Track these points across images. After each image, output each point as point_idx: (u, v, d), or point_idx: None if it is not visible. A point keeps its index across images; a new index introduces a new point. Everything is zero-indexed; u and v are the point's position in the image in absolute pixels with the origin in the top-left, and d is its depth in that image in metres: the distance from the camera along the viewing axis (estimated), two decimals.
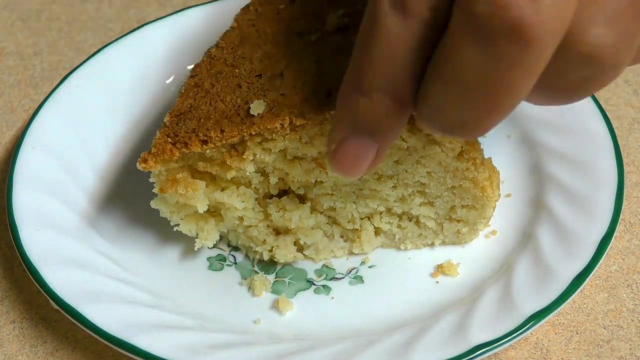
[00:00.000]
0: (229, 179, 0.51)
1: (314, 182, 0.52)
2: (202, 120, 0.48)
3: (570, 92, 0.39)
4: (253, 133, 0.47)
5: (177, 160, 0.49)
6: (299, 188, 0.53)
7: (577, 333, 0.52)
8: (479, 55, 0.34)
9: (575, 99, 0.41)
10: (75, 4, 0.81)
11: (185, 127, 0.49)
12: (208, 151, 0.48)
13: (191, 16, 0.70)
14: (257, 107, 0.47)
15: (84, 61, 0.66)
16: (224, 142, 0.47)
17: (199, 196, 0.51)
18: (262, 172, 0.51)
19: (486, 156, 0.53)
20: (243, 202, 0.52)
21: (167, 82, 0.68)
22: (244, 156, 0.48)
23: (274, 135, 0.47)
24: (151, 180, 0.51)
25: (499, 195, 0.54)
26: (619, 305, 0.53)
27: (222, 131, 0.47)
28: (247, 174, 0.50)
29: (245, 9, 0.56)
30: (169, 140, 0.48)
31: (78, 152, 0.61)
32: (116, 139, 0.64)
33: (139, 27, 0.69)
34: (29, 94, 0.72)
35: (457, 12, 0.34)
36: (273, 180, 0.51)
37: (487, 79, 0.35)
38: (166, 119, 0.50)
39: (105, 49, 0.67)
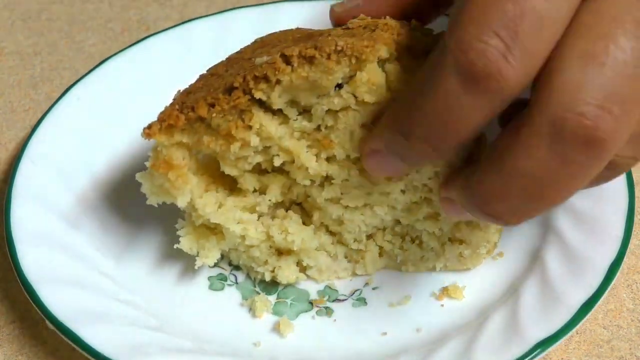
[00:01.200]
0: (233, 159, 0.49)
1: (320, 182, 0.51)
2: (211, 90, 0.47)
3: (592, 184, 0.42)
4: (257, 74, 0.45)
5: (182, 129, 0.47)
6: (308, 197, 0.52)
7: (577, 333, 0.52)
8: (550, 154, 0.36)
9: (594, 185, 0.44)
10: (75, 4, 0.81)
11: (194, 97, 0.48)
12: (215, 115, 0.46)
13: (196, 29, 0.68)
14: (261, 60, 0.47)
15: (86, 73, 0.64)
16: (231, 103, 0.46)
17: (185, 191, 0.49)
18: (266, 153, 0.50)
19: None
20: (239, 224, 0.51)
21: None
22: (250, 123, 0.47)
23: (278, 73, 0.45)
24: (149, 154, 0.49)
25: None
26: (619, 305, 0.53)
27: (230, 93, 0.46)
28: (251, 145, 0.48)
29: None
30: (177, 108, 0.47)
31: (79, 167, 0.59)
32: (118, 154, 0.61)
33: (143, 39, 0.67)
34: (29, 94, 0.72)
35: (536, 112, 0.36)
36: (277, 161, 0.49)
37: (552, 175, 0.37)
38: (175, 95, 0.49)
39: (108, 61, 0.65)
